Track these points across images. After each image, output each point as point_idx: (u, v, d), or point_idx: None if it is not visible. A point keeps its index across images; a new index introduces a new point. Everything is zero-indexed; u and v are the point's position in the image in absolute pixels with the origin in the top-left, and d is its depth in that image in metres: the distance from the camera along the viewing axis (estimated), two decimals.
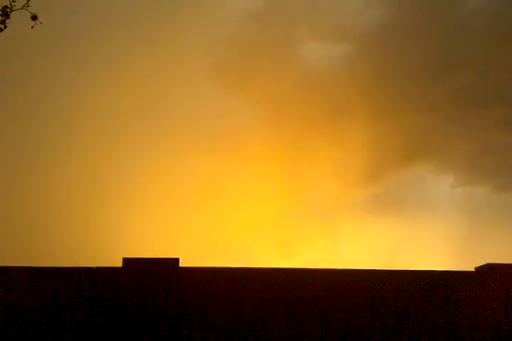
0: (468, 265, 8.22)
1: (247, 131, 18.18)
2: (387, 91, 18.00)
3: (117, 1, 17.43)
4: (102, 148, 17.17)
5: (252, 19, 17.98)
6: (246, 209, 17.72)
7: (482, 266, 7.95)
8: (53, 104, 16.87)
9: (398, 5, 17.74)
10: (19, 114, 16.40)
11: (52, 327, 6.97)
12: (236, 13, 18.12)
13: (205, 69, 17.96)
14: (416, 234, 17.65)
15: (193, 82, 18.17)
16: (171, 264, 7.32)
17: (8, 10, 4.15)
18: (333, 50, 18.40)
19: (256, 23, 18.03)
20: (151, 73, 17.95)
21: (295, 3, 18.52)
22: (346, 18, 18.24)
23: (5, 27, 4.21)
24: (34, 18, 4.24)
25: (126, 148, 17.49)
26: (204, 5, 18.29)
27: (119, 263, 7.29)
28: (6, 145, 16.28)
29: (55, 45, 16.44)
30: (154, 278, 7.21)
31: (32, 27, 4.22)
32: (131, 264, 7.24)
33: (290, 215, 17.99)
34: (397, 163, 18.55)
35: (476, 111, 17.66)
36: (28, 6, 4.16)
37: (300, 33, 18.32)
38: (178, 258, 7.39)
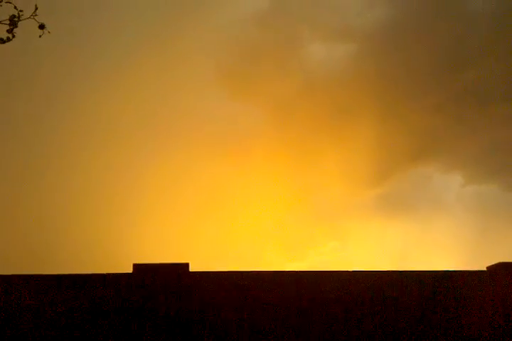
0: (480, 264, 8.16)
1: (254, 135, 18.20)
2: (392, 92, 17.95)
3: (122, 7, 17.55)
4: (110, 154, 17.25)
5: (255, 23, 18.03)
6: (254, 212, 17.71)
7: (494, 265, 7.89)
8: (61, 110, 17.00)
9: (402, 4, 17.71)
10: (27, 119, 16.53)
11: (63, 334, 6.99)
12: (239, 17, 18.19)
13: (210, 74, 18.02)
14: (426, 234, 17.56)
15: (198, 86, 18.23)
16: (181, 269, 7.33)
17: (16, 19, 4.19)
18: (337, 51, 18.40)
19: (259, 27, 18.08)
20: (156, 78, 18.03)
21: (298, 5, 18.54)
22: (349, 18, 18.24)
23: (13, 36, 4.25)
24: (42, 27, 4.27)
25: (134, 154, 17.56)
26: (207, 10, 18.37)
27: (130, 269, 7.31)
28: (15, 151, 16.40)
29: (63, 51, 16.59)
30: (165, 284, 7.22)
31: (40, 36, 4.26)
32: (142, 270, 7.26)
33: (298, 218, 17.97)
34: (404, 163, 18.48)
35: (483, 109, 17.58)
36: (35, 15, 4.20)
37: (303, 35, 18.33)
38: (188, 263, 7.40)
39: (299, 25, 18.25)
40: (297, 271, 7.89)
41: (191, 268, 7.39)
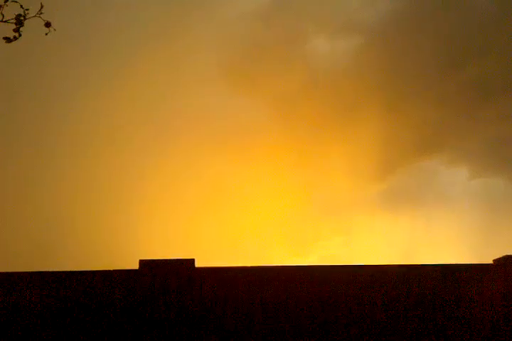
0: (487, 257, 8.15)
1: (258, 130, 18.18)
2: (397, 86, 17.89)
3: (126, 4, 17.54)
4: (115, 151, 17.29)
5: (258, 19, 17.98)
6: (259, 208, 17.73)
7: (500, 258, 7.88)
8: (67, 108, 17.04)
9: None
10: (33, 118, 16.58)
11: (70, 330, 7.03)
12: (242, 13, 18.13)
13: (213, 70, 17.99)
14: (432, 228, 17.53)
15: (201, 83, 18.22)
16: (186, 265, 7.35)
17: (22, 18, 4.21)
18: (341, 45, 18.33)
19: (262, 23, 18.03)
20: (160, 75, 18.02)
21: (300, 0, 18.48)
22: (352, 12, 18.16)
23: (20, 35, 4.27)
24: (48, 25, 4.28)
25: (138, 151, 17.59)
26: (211, 6, 18.33)
27: (136, 266, 7.34)
28: (21, 149, 16.46)
29: (68, 49, 16.61)
30: (171, 279, 7.25)
31: (46, 34, 4.27)
32: (148, 266, 7.29)
33: (304, 212, 17.96)
34: (410, 157, 18.43)
35: (489, 102, 17.49)
36: (41, 13, 4.21)
37: (306, 30, 18.27)
38: (193, 259, 7.42)
39: (302, 21, 18.20)
40: (303, 266, 7.90)
41: (197, 264, 7.41)
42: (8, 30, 4.24)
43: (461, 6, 17.21)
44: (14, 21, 4.23)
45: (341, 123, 18.32)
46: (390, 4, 17.66)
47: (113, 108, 17.50)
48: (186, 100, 18.35)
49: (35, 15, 4.23)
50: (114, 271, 7.32)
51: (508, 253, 7.84)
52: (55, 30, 4.26)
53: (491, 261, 7.98)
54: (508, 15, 16.40)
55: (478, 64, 17.06)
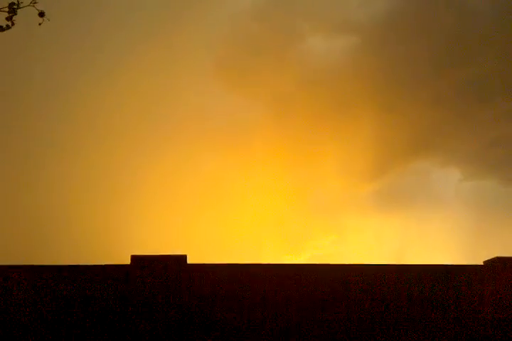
0: (477, 259, 8.19)
1: (252, 129, 18.18)
2: (392, 85, 17.92)
3: (121, 1, 17.46)
4: (109, 147, 17.24)
5: (253, 17, 17.94)
6: (252, 206, 17.73)
7: (491, 259, 7.92)
8: (59, 103, 16.95)
9: None
10: (26, 112, 16.48)
11: (62, 324, 7.01)
12: (238, 11, 18.09)
13: (209, 68, 17.96)
14: (424, 229, 17.62)
15: (197, 81, 18.19)
16: (178, 261, 7.35)
17: (16, 6, 4.15)
18: (337, 44, 18.34)
19: (258, 21, 17.99)
20: (155, 72, 17.97)
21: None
22: (349, 11, 18.16)
23: (12, 24, 4.22)
24: (41, 14, 4.23)
25: (132, 148, 17.54)
26: (207, 3, 18.28)
27: (128, 261, 7.33)
28: (14, 145, 16.37)
29: (62, 42, 16.50)
30: (162, 275, 7.24)
31: (39, 24, 4.22)
32: (140, 261, 7.28)
33: (297, 211, 17.99)
34: (403, 158, 18.49)
35: (483, 104, 17.56)
36: (35, 2, 4.16)
37: (302, 29, 18.26)
38: (185, 255, 7.42)
39: (298, 18, 18.18)
40: (295, 264, 7.92)
41: (189, 260, 7.41)
42: (1, 18, 4.20)
43: (458, 6, 17.26)
44: (7, 10, 4.18)
45: (335, 122, 18.35)
46: (386, 4, 17.68)
47: (108, 104, 17.44)
48: (182, 98, 18.32)
49: (28, 5, 4.18)
50: (106, 265, 7.31)
51: (498, 255, 7.88)
52: (48, 20, 4.21)
53: (481, 263, 8.02)
54: (504, 16, 16.47)
55: (474, 65, 17.13)
